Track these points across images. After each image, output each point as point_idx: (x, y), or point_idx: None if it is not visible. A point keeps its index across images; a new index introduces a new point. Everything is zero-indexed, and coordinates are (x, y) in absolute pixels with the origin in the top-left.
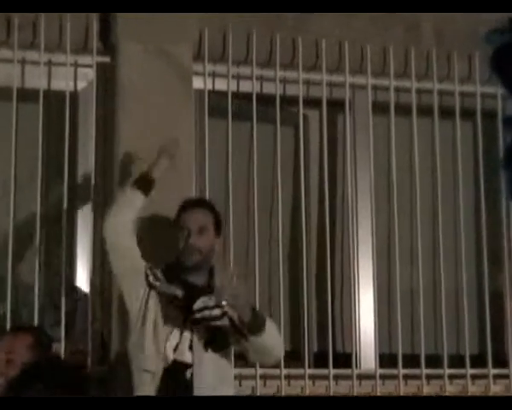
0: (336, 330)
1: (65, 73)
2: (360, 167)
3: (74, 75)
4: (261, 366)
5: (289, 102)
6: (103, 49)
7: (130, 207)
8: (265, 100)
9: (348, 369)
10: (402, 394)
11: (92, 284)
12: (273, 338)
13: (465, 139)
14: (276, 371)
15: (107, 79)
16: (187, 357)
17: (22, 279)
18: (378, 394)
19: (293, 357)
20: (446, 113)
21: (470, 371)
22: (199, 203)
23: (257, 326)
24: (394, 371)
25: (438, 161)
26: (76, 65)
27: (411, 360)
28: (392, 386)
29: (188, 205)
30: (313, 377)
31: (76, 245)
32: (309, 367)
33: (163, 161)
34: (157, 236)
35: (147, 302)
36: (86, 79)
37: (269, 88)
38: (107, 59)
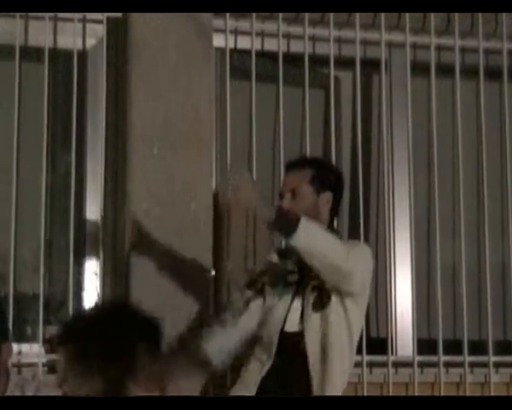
0: (370, 313)
1: (72, 30)
2: (397, 134)
3: (83, 32)
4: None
5: (319, 61)
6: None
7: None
8: (293, 59)
9: (383, 356)
10: (443, 383)
11: (104, 259)
12: (315, 238)
13: None
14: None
15: (118, 35)
16: (297, 326)
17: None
18: (416, 383)
19: None
20: (492, 73)
21: None
22: (292, 165)
23: (286, 227)
24: (434, 359)
25: (483, 126)
26: (84, 20)
27: (453, 347)
28: (432, 375)
29: (285, 170)
30: None
31: (85, 217)
32: None
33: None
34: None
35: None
36: (95, 35)
37: (296, 46)
38: (118, 14)
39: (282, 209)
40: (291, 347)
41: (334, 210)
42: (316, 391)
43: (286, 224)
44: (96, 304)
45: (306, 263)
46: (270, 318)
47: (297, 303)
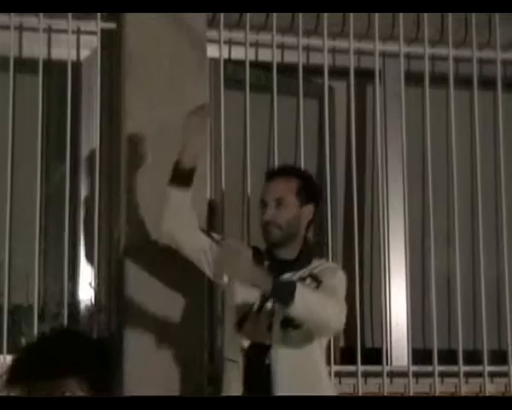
0: (365, 323)
1: (66, 41)
2: (391, 143)
3: (77, 43)
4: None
5: (313, 71)
6: (108, 15)
7: (175, 209)
8: (287, 70)
9: (378, 366)
10: (438, 393)
11: (97, 270)
12: (308, 308)
13: (508, 112)
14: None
15: (112, 46)
16: (266, 338)
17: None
18: (411, 393)
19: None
20: (487, 83)
21: None
22: (277, 173)
23: (282, 297)
24: (429, 369)
25: (477, 136)
26: (78, 32)
27: (448, 357)
28: (427, 385)
29: (266, 177)
30: (339, 375)
31: (80, 228)
32: (335, 364)
33: (193, 141)
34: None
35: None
36: (90, 46)
37: (291, 56)
38: (112, 25)
39: (278, 280)
40: (258, 361)
41: (312, 222)
42: None
43: (283, 294)
44: (42, 335)
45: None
46: (234, 315)
47: (264, 315)
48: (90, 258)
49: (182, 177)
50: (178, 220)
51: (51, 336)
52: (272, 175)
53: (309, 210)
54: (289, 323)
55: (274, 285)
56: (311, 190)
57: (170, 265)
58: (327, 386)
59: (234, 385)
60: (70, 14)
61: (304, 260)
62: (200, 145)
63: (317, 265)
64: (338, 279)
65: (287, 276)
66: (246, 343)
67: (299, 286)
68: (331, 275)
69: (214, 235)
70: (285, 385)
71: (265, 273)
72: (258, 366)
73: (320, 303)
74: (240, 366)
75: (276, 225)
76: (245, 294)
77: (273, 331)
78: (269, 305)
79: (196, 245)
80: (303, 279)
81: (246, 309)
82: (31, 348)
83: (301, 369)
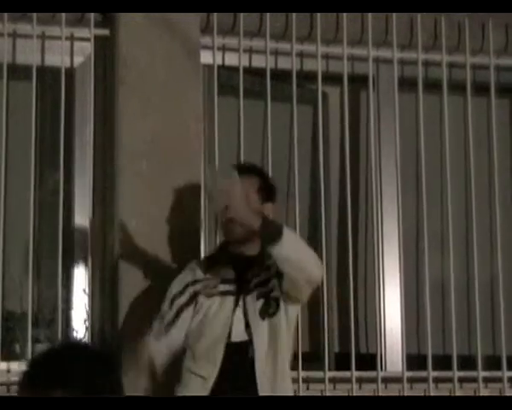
0: (359, 328)
1: (60, 48)
2: (385, 149)
3: (70, 49)
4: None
5: (307, 78)
6: (102, 21)
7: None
8: (280, 76)
9: (373, 371)
10: None
11: (92, 277)
12: (295, 248)
13: (501, 118)
14: (293, 374)
15: (106, 53)
16: (243, 335)
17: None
18: None
19: (313, 358)
20: (480, 89)
21: (507, 373)
22: (239, 170)
23: (270, 234)
24: (423, 374)
25: (471, 141)
26: (72, 38)
27: (442, 362)
28: (421, 390)
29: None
30: (334, 381)
31: (74, 235)
32: (329, 369)
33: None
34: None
35: (195, 308)
36: (83, 53)
37: (284, 63)
38: (106, 31)
39: (267, 218)
40: (239, 357)
41: None
42: None
43: (270, 233)
44: (53, 348)
45: (283, 270)
46: (209, 330)
47: (239, 313)
48: (83, 264)
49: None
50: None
51: (61, 350)
52: (232, 172)
53: (268, 208)
54: (266, 311)
55: (263, 222)
56: (270, 188)
57: (163, 271)
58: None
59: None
60: (63, 20)
61: (265, 256)
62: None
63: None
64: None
65: (250, 271)
66: (220, 349)
67: (286, 228)
68: None
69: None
70: (264, 376)
71: (255, 213)
72: (238, 365)
73: (305, 250)
74: (209, 382)
75: (238, 221)
76: (218, 309)
77: (252, 327)
78: (241, 304)
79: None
80: (269, 279)
81: (224, 321)
82: (39, 362)
83: (275, 357)
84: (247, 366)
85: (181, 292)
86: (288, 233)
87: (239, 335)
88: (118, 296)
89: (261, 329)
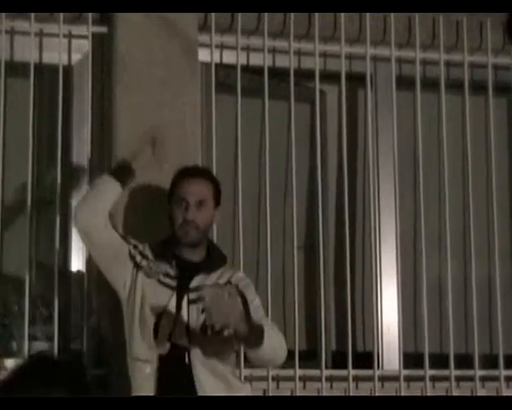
0: (357, 326)
1: (58, 45)
2: (382, 148)
3: (68, 47)
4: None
5: (305, 76)
6: (99, 19)
7: (104, 197)
8: (278, 74)
9: (370, 370)
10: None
11: (88, 274)
12: (273, 347)
13: (499, 117)
14: (289, 373)
15: (103, 51)
16: (185, 341)
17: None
18: None
19: (309, 357)
20: (478, 87)
21: (504, 372)
22: (197, 173)
23: (254, 340)
24: (420, 373)
25: (468, 140)
26: (70, 36)
27: (439, 361)
28: (418, 389)
29: (185, 175)
30: (331, 379)
31: (70, 231)
32: (326, 368)
33: (145, 152)
34: (148, 211)
35: (135, 286)
36: (81, 51)
37: (282, 61)
38: (103, 29)
39: (252, 323)
40: (179, 360)
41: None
42: None
43: (254, 337)
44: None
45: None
46: (145, 315)
47: (182, 317)
48: (80, 263)
49: (122, 174)
50: (97, 207)
51: (30, 363)
52: (191, 174)
53: (217, 214)
54: (209, 329)
55: (249, 328)
56: (220, 195)
57: None
58: (241, 387)
59: (145, 385)
60: (61, 18)
61: (212, 264)
62: (148, 159)
63: (229, 272)
64: (257, 298)
65: (197, 278)
66: (163, 345)
67: (266, 329)
68: (251, 293)
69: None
70: (206, 386)
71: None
72: (177, 364)
73: (279, 341)
74: (152, 365)
75: (195, 225)
76: (158, 294)
77: (192, 335)
78: (184, 307)
79: (108, 239)
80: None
81: (161, 309)
82: (18, 372)
83: (219, 371)
84: (185, 371)
85: (135, 246)
86: (268, 336)
87: (179, 338)
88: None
89: (201, 344)
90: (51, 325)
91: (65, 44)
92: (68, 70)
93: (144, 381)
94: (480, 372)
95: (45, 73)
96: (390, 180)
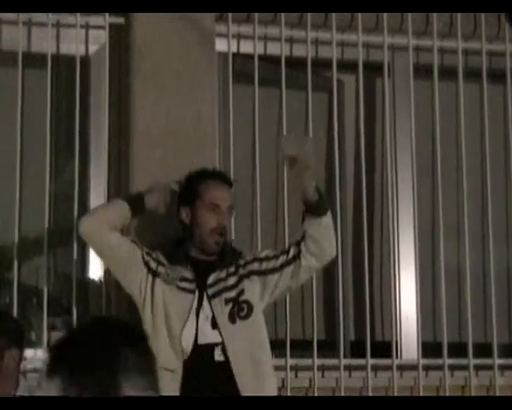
0: (375, 316)
1: (75, 36)
2: (400, 137)
3: (85, 38)
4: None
5: (322, 65)
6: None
7: (111, 210)
8: (295, 63)
9: (388, 359)
10: (448, 386)
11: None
12: (330, 229)
13: None
14: (308, 362)
15: (120, 41)
16: (211, 337)
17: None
18: (421, 386)
19: (328, 346)
20: (496, 76)
21: None
22: (224, 178)
23: (321, 208)
24: (439, 362)
25: (486, 128)
26: (87, 26)
27: (458, 350)
28: (437, 378)
29: (213, 179)
30: (349, 368)
31: None
32: (344, 357)
33: (157, 196)
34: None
35: (152, 294)
36: (98, 41)
37: (299, 50)
38: (120, 20)
39: (323, 195)
40: (207, 359)
41: None
42: None
43: (322, 204)
44: (81, 325)
45: (312, 241)
46: (169, 322)
47: (203, 315)
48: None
49: (136, 204)
50: (104, 221)
51: (90, 325)
52: (220, 179)
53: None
54: (237, 314)
55: (319, 197)
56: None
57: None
58: (272, 375)
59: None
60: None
61: (226, 261)
62: (159, 203)
63: (246, 261)
64: None
65: (214, 275)
66: (187, 348)
67: (329, 211)
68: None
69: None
70: (245, 376)
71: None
72: (206, 364)
73: (333, 234)
74: (178, 374)
75: (225, 231)
76: (179, 300)
77: (221, 328)
78: (205, 306)
79: (117, 242)
80: (234, 274)
81: (185, 315)
82: (69, 337)
83: (254, 357)
84: (215, 369)
85: (148, 253)
86: (330, 214)
87: (206, 337)
88: None
89: (233, 332)
90: (70, 315)
91: (82, 35)
92: (86, 61)
93: (170, 391)
94: (498, 361)
95: (62, 64)
96: (408, 169)
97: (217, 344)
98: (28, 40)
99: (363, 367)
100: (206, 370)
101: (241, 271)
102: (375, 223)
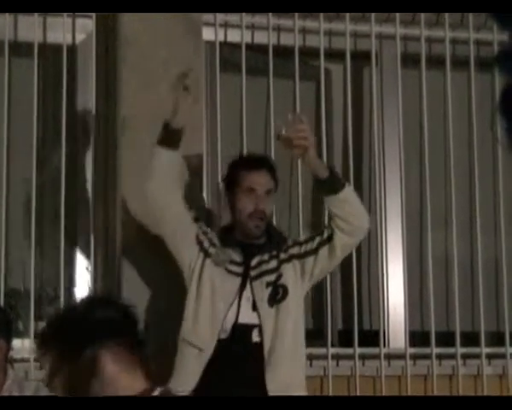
0: (363, 305)
1: (62, 24)
2: (388, 126)
3: (72, 26)
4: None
5: (310, 54)
6: None
7: (164, 169)
8: (283, 52)
9: (376, 348)
10: (435, 375)
11: (95, 255)
12: (355, 198)
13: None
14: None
15: (107, 30)
16: (251, 318)
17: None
18: (409, 375)
19: (315, 335)
20: (483, 65)
21: (511, 349)
22: (262, 163)
23: (335, 184)
24: (426, 351)
25: (474, 117)
26: (74, 15)
27: (445, 339)
28: (425, 367)
29: (250, 165)
30: (337, 357)
31: (76, 211)
32: (332, 346)
33: (182, 103)
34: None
35: (201, 272)
36: (85, 30)
37: (287, 39)
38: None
39: (334, 171)
40: (245, 340)
41: None
42: (269, 385)
43: (335, 181)
44: (78, 301)
45: (338, 219)
46: (212, 301)
47: (245, 296)
48: (86, 242)
49: (170, 138)
50: (165, 182)
51: (81, 303)
52: (258, 165)
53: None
54: (274, 299)
55: (330, 173)
56: (278, 183)
57: (165, 247)
58: (304, 363)
59: (194, 370)
60: None
61: (273, 246)
62: (189, 107)
63: (287, 245)
64: None
65: (258, 257)
66: (228, 327)
67: (347, 183)
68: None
69: (192, 211)
70: (276, 360)
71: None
72: (243, 344)
73: (360, 204)
74: (205, 355)
75: (264, 215)
76: (226, 283)
77: (259, 310)
78: (248, 288)
79: (177, 215)
80: (275, 257)
81: (231, 298)
82: (61, 315)
83: (289, 343)
84: (251, 350)
85: (204, 232)
86: (349, 187)
87: (245, 317)
88: (121, 274)
89: (269, 315)
90: (57, 305)
91: (69, 24)
92: (73, 50)
93: (195, 366)
94: (486, 350)
95: (49, 52)
96: (395, 158)
97: (255, 326)
98: (15, 29)
99: (351, 356)
100: (243, 350)
101: (283, 255)
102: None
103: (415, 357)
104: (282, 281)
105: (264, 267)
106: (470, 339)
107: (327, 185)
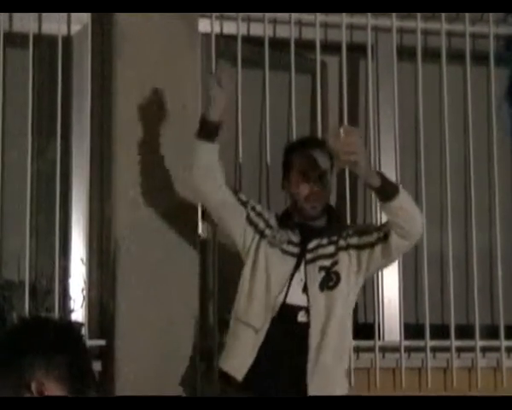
0: (358, 298)
1: (57, 16)
2: (383, 118)
3: (67, 17)
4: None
5: (305, 46)
6: None
7: (203, 160)
8: (279, 44)
9: (370, 341)
10: (430, 368)
11: (89, 246)
12: (409, 203)
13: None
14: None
15: (103, 21)
16: (299, 300)
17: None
18: (403, 368)
19: None
20: (479, 58)
21: (505, 343)
22: (315, 144)
23: (388, 192)
24: (421, 343)
25: (470, 111)
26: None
27: (440, 332)
28: (419, 360)
29: (303, 147)
30: None
31: (71, 204)
32: None
33: (218, 95)
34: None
35: (256, 252)
36: (80, 21)
37: (283, 31)
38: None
39: (385, 177)
40: (291, 319)
41: None
42: (310, 369)
43: (389, 188)
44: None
45: (393, 223)
46: (267, 283)
47: (298, 277)
48: (81, 233)
49: (208, 130)
50: (206, 173)
51: (18, 324)
52: (310, 146)
53: (334, 177)
54: (326, 284)
55: (382, 180)
56: (334, 162)
57: (161, 241)
58: (346, 354)
59: (248, 350)
60: None
61: (332, 229)
62: (225, 100)
63: (347, 233)
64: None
65: (315, 240)
66: (276, 306)
67: (400, 186)
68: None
69: (241, 195)
70: (315, 342)
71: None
72: (288, 323)
73: (415, 207)
74: (260, 336)
75: (321, 195)
76: (281, 264)
77: (309, 293)
78: (301, 270)
79: (221, 199)
80: (333, 243)
81: (286, 279)
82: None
83: (336, 330)
84: (299, 332)
85: (258, 213)
86: (402, 190)
87: (294, 298)
88: (115, 265)
89: (319, 300)
90: (52, 296)
91: (64, 15)
92: (68, 41)
93: (250, 345)
94: (480, 343)
95: (45, 43)
96: (391, 151)
97: (301, 308)
98: (10, 19)
99: None
100: (288, 329)
101: (342, 242)
102: (357, 204)
103: (409, 350)
104: (336, 268)
105: (321, 252)
106: (465, 332)
107: (380, 194)
